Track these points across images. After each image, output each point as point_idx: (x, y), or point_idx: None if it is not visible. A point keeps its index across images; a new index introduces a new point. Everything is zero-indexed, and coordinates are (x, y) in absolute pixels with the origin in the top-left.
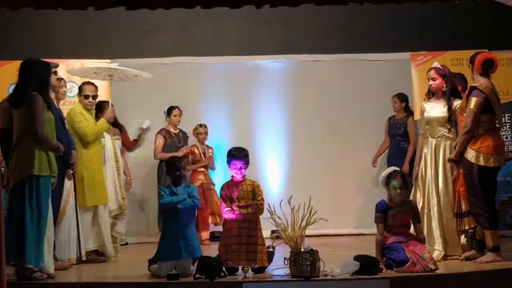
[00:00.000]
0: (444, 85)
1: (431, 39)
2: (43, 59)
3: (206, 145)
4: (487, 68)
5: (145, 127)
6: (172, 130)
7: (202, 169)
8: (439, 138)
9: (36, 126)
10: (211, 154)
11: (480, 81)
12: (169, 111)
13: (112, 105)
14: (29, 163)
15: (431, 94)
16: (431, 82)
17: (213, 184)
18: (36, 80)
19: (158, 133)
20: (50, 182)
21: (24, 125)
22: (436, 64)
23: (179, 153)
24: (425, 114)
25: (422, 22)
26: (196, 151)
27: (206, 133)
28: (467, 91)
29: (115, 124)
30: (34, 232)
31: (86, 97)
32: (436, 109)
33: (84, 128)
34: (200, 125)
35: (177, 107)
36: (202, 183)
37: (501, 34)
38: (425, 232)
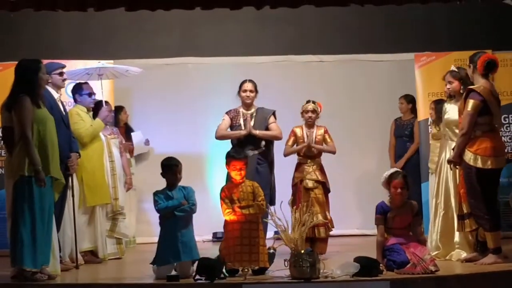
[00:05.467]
0: (461, 87)
1: (434, 39)
2: (32, 58)
3: (318, 126)
4: (490, 69)
5: (135, 141)
6: (243, 110)
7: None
8: None
9: (23, 127)
10: (319, 137)
11: (479, 82)
12: (240, 86)
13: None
14: (20, 164)
15: (451, 97)
16: (448, 85)
17: (319, 182)
18: (23, 81)
19: (226, 112)
20: (47, 183)
21: (17, 128)
22: (452, 67)
23: (242, 132)
24: (446, 116)
25: (426, 22)
26: (299, 133)
27: (313, 111)
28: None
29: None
30: (28, 233)
31: (90, 95)
32: (455, 111)
33: (79, 130)
34: (308, 101)
35: (248, 80)
36: (301, 179)
37: (505, 34)
38: (438, 234)
